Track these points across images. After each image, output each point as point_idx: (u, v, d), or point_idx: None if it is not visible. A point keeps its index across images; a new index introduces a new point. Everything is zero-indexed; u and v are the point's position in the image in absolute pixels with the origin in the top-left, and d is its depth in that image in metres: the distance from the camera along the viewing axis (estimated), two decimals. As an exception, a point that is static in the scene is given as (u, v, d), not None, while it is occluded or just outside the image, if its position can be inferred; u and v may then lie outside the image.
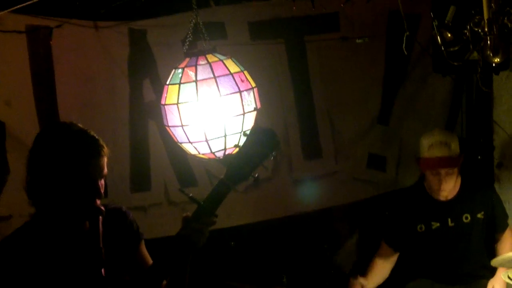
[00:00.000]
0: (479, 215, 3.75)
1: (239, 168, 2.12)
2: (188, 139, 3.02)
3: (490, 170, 4.45)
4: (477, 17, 2.61)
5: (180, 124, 2.99)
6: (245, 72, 3.09)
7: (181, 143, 3.10)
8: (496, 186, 4.26)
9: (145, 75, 3.99)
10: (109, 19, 3.84)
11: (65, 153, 2.05)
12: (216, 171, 3.97)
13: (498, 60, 2.62)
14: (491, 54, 2.59)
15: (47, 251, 2.11)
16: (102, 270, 2.15)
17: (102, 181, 2.14)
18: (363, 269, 3.96)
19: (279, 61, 4.22)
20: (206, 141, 2.99)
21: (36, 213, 2.16)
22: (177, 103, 2.98)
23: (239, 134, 3.01)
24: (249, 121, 3.05)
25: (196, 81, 2.96)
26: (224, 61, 3.04)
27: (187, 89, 2.98)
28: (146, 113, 4.00)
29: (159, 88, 3.61)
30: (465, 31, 2.69)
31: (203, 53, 3.06)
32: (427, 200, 3.80)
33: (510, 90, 4.33)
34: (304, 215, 4.44)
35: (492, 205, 3.79)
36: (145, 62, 3.97)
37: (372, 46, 4.26)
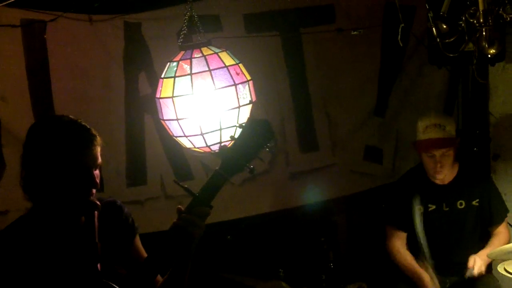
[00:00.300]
0: (474, 203, 3.77)
1: (234, 159, 2.10)
2: (183, 132, 3.01)
3: (486, 161, 4.46)
4: (473, 8, 2.60)
5: (175, 118, 2.97)
6: (241, 65, 3.07)
7: (176, 137, 3.08)
8: (492, 177, 4.26)
9: (141, 69, 3.98)
10: (103, 12, 3.82)
11: (56, 144, 2.03)
12: (212, 165, 3.92)
13: (494, 51, 2.61)
14: (486, 45, 2.58)
15: (43, 246, 2.09)
16: (98, 265, 2.14)
17: (98, 172, 2.12)
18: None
19: (275, 53, 4.21)
20: (202, 134, 2.97)
21: (32, 208, 2.15)
22: (172, 97, 2.96)
23: (235, 127, 3.00)
24: (245, 114, 3.04)
25: (191, 74, 2.94)
26: (219, 54, 3.02)
27: (182, 83, 2.96)
28: (142, 107, 3.99)
29: (154, 82, 3.59)
30: (461, 22, 2.68)
31: (198, 46, 3.04)
32: (426, 182, 3.83)
33: (506, 82, 4.33)
34: (301, 208, 4.45)
35: (488, 195, 3.80)
36: (140, 56, 3.96)
37: (368, 38, 4.26)
